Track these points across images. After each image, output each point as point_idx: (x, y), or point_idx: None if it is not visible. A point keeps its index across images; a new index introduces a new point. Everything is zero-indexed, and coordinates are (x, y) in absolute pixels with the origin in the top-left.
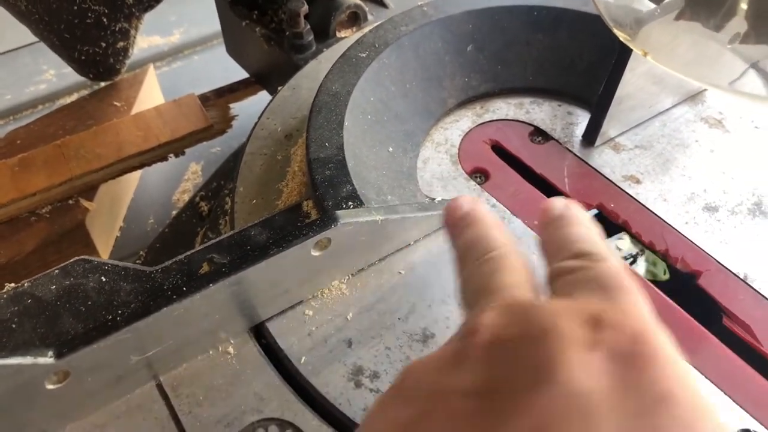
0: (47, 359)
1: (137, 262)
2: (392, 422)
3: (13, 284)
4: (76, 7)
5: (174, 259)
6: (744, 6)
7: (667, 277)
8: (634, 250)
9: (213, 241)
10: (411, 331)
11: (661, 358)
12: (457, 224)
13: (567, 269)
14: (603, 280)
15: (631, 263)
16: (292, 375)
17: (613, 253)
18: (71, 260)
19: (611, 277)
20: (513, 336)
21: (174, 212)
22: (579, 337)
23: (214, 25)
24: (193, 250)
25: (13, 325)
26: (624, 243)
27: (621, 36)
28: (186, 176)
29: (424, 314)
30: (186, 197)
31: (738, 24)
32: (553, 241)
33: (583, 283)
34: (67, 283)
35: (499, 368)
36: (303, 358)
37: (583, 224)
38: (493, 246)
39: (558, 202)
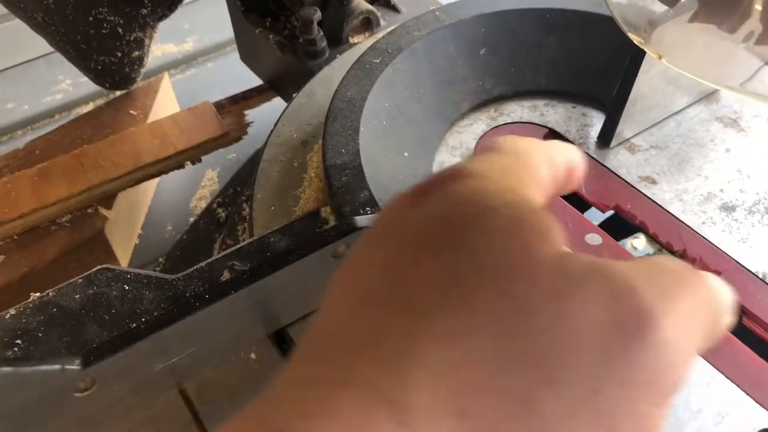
0: (74, 367)
1: (156, 269)
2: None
3: (38, 294)
4: (91, 18)
5: (195, 267)
6: (759, 7)
7: None
8: (650, 249)
9: (233, 248)
10: None
11: None
12: None
13: None
14: None
15: None
16: None
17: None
18: (94, 269)
19: None
20: None
21: (191, 219)
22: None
23: (227, 32)
24: (213, 258)
25: (40, 334)
26: (639, 242)
27: (635, 39)
28: (203, 183)
29: None
30: (203, 204)
31: (753, 25)
32: None
33: None
34: (91, 291)
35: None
36: None
37: None
38: None
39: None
